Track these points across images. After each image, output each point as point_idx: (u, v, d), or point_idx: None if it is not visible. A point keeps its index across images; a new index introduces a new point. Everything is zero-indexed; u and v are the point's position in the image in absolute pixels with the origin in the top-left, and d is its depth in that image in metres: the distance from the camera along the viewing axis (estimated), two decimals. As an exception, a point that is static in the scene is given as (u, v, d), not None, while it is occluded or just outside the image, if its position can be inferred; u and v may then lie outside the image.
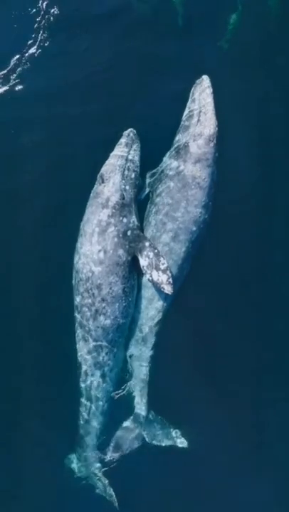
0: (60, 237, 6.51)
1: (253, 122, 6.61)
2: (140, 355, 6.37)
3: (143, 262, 5.85)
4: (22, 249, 6.65)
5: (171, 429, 6.23)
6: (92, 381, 6.17)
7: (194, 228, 6.17)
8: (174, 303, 6.24)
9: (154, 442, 6.24)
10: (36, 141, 6.68)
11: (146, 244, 5.89)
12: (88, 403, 6.22)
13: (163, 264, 5.77)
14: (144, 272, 5.87)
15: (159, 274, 5.76)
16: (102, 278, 5.93)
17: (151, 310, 6.25)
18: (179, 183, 6.17)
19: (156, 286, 5.86)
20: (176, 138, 6.42)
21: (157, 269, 5.77)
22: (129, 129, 6.33)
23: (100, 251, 5.93)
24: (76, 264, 6.16)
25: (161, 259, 5.79)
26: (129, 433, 6.35)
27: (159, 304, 6.23)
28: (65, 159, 6.71)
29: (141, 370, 6.36)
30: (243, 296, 6.69)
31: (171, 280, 5.68)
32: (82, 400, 6.25)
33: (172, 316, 6.27)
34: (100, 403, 6.22)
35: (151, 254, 5.82)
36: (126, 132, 6.33)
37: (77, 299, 6.11)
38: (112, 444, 6.31)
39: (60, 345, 6.39)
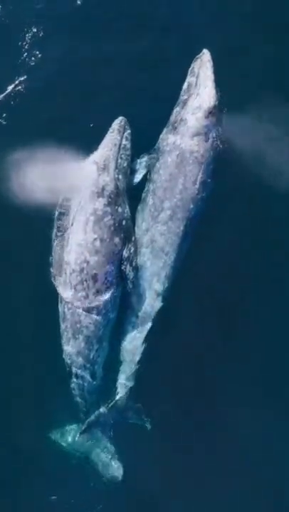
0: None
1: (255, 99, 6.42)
2: (133, 343, 6.09)
3: (124, 252, 5.82)
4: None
5: (143, 416, 6.13)
6: (83, 382, 5.96)
7: (192, 206, 5.97)
8: (172, 290, 6.09)
9: (120, 420, 6.18)
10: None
11: (133, 238, 5.94)
12: (83, 402, 6.04)
13: (135, 263, 5.89)
14: (122, 261, 5.83)
15: (130, 269, 5.81)
16: (97, 268, 5.68)
17: (150, 293, 6.01)
18: (177, 158, 5.97)
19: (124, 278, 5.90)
20: (174, 113, 6.21)
21: (130, 264, 5.80)
22: (120, 117, 6.13)
23: (95, 240, 5.67)
24: (66, 255, 5.80)
25: (136, 258, 5.91)
26: (103, 417, 6.11)
27: (158, 286, 6.01)
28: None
29: (132, 358, 6.09)
30: (245, 284, 6.61)
31: (134, 280, 5.88)
32: (77, 399, 6.06)
33: (170, 307, 6.12)
34: (94, 396, 6.07)
35: (132, 249, 5.85)
36: (117, 120, 6.11)
37: (69, 294, 5.76)
38: (84, 426, 6.09)
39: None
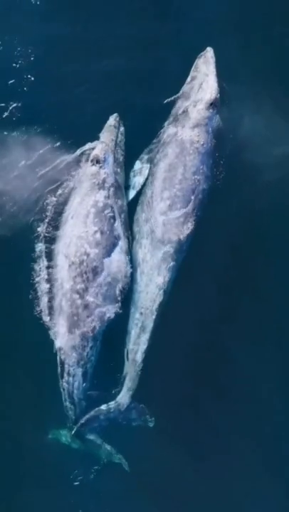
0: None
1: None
2: (137, 341, 5.88)
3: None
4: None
5: (148, 417, 5.92)
6: (74, 382, 5.75)
7: (192, 197, 5.93)
8: (175, 285, 5.97)
9: (124, 423, 5.93)
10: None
11: (128, 233, 6.02)
12: (72, 406, 5.81)
13: (129, 257, 5.92)
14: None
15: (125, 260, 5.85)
16: (98, 260, 5.65)
17: (151, 287, 5.88)
18: (177, 148, 6.01)
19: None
20: (176, 106, 6.36)
21: (127, 254, 5.88)
22: (115, 114, 6.33)
23: (96, 232, 5.67)
24: (64, 248, 5.78)
25: (129, 253, 5.96)
26: (103, 415, 5.84)
27: (159, 280, 5.87)
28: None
29: (136, 357, 5.85)
30: (249, 278, 6.47)
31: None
32: (66, 404, 5.82)
33: (173, 301, 5.99)
34: (83, 403, 5.84)
35: (126, 241, 5.93)
36: (112, 117, 6.31)
37: (67, 286, 5.70)
38: (82, 420, 5.82)
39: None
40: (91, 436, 5.90)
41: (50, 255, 5.93)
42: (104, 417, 5.83)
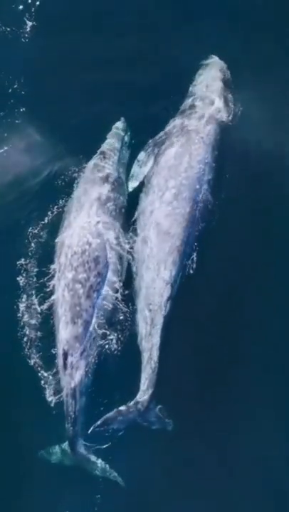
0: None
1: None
2: (148, 338, 5.58)
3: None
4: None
5: (166, 420, 5.52)
6: (76, 374, 5.46)
7: (198, 186, 5.90)
8: (182, 279, 5.80)
9: (144, 424, 5.51)
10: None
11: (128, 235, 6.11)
12: (73, 402, 5.42)
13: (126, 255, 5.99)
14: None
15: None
16: (99, 250, 5.72)
17: (158, 282, 5.67)
18: (182, 137, 6.12)
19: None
20: (183, 104, 6.60)
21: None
22: (122, 118, 6.70)
23: (98, 222, 5.83)
24: (68, 238, 5.84)
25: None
26: (122, 416, 5.39)
27: (166, 274, 5.67)
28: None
29: (149, 355, 5.51)
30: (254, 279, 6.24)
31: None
32: (67, 398, 5.45)
33: (180, 298, 5.79)
34: (84, 399, 5.48)
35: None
36: (120, 121, 6.68)
37: (69, 276, 5.66)
38: (100, 420, 5.38)
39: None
40: (85, 452, 5.42)
41: (34, 287, 5.94)
42: (122, 418, 5.38)
